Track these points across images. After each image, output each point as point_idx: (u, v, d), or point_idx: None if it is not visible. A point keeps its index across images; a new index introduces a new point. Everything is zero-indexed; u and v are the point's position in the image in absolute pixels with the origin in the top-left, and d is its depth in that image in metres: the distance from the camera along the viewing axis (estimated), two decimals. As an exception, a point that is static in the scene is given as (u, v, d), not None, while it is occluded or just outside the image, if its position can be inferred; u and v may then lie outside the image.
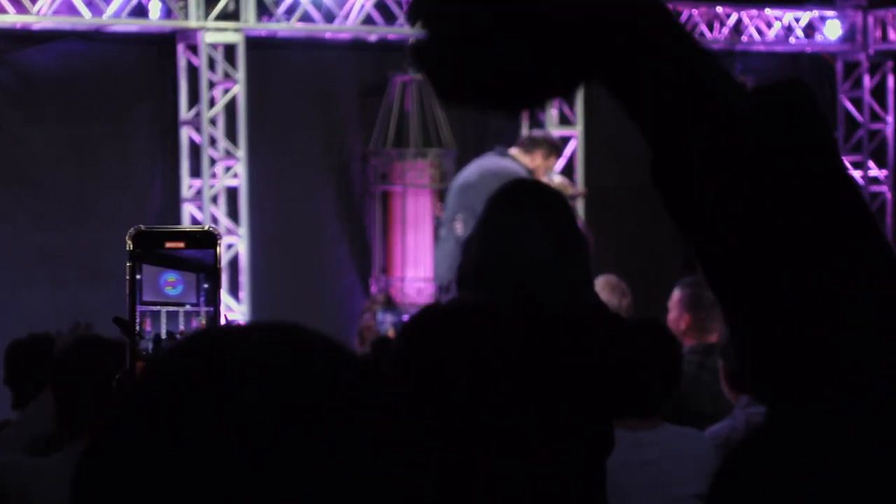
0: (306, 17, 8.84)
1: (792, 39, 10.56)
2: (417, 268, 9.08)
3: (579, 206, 9.27)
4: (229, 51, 8.62)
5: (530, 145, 8.55)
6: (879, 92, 10.93)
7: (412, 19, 0.98)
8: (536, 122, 9.59)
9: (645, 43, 0.96)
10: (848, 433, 0.95)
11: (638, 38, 0.96)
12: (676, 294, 5.82)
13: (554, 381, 2.07)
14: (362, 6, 8.97)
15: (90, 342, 3.83)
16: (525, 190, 3.25)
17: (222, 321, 1.49)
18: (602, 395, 2.47)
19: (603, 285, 6.11)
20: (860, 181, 10.95)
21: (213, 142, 8.69)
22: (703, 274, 1.01)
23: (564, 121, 9.68)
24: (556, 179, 8.83)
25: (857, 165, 10.98)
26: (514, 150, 8.57)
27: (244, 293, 8.68)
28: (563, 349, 2.16)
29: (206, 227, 1.47)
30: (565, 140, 9.61)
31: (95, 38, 8.54)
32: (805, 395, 0.97)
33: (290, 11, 8.78)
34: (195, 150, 8.69)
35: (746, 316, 0.98)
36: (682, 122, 0.97)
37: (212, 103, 8.64)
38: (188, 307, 1.47)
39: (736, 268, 0.98)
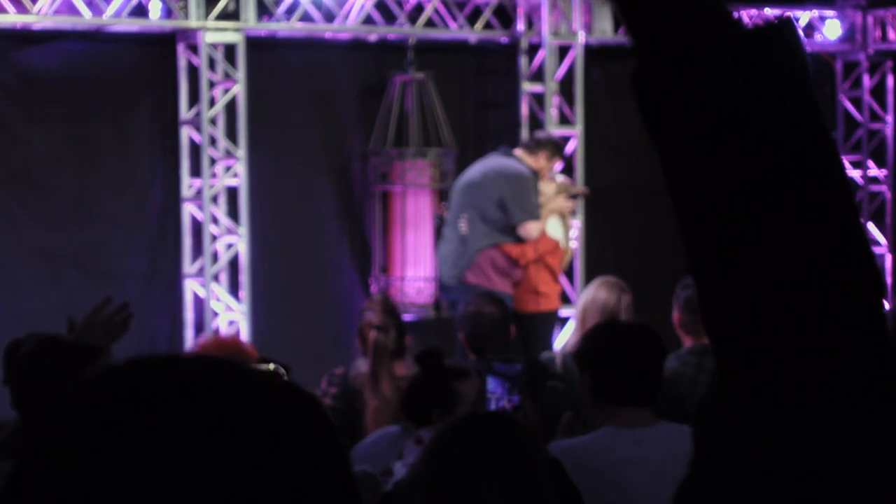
0: (306, 17, 8.83)
1: (792, 39, 10.55)
2: (417, 267, 9.08)
3: (579, 206, 9.26)
4: (229, 51, 8.62)
5: (535, 147, 8.56)
6: (879, 92, 10.93)
7: None
8: (536, 122, 9.59)
9: None
10: (818, 431, 0.95)
11: None
12: (677, 294, 5.82)
13: None
14: (362, 6, 8.97)
15: (50, 343, 3.74)
16: (470, 426, 2.89)
17: None
18: None
19: (600, 284, 6.10)
20: (859, 181, 10.95)
21: (213, 141, 8.68)
22: (673, 203, 1.01)
23: (564, 121, 9.67)
24: (559, 179, 8.83)
25: (856, 165, 10.98)
26: (518, 151, 8.58)
27: (244, 293, 8.68)
28: None
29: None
30: (565, 140, 9.60)
31: (96, 38, 8.54)
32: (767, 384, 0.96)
33: (290, 11, 8.78)
34: (195, 149, 8.68)
35: (707, 258, 0.98)
36: (671, 33, 0.97)
37: (212, 103, 8.64)
38: None
39: (704, 196, 0.97)
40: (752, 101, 0.97)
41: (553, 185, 8.68)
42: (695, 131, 0.97)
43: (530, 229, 8.36)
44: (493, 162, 8.49)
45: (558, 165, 8.86)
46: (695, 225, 0.99)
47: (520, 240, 8.38)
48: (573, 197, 8.76)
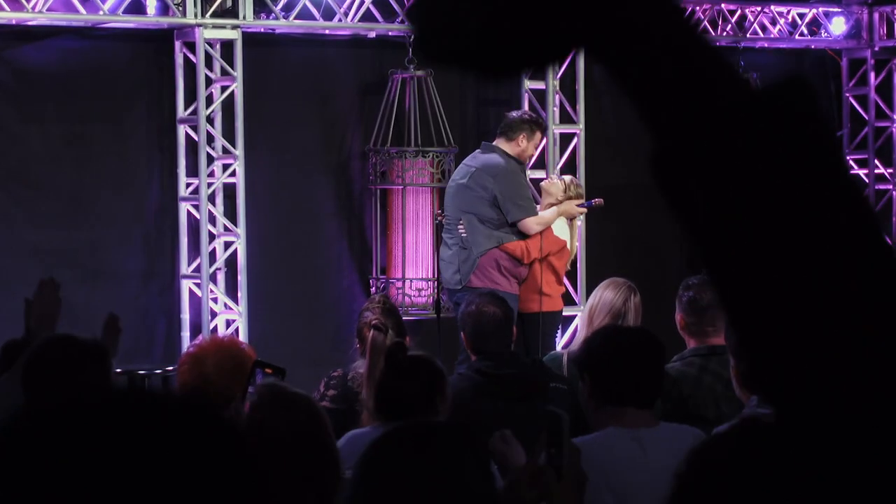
0: (305, 14, 8.77)
1: (797, 36, 10.48)
2: (417, 267, 9.02)
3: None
4: (227, 48, 8.56)
5: (510, 131, 8.43)
6: (885, 89, 10.86)
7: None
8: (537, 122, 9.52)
9: (650, 31, 0.96)
10: (849, 434, 0.96)
11: (644, 25, 0.96)
12: (679, 296, 5.76)
13: None
14: (361, 3, 8.90)
15: (64, 341, 3.88)
16: (413, 438, 2.80)
17: None
18: None
19: (608, 285, 6.04)
20: (865, 179, 10.87)
21: (210, 140, 8.63)
22: (705, 270, 1.01)
23: (566, 119, 9.61)
24: (567, 179, 8.73)
25: (862, 163, 10.91)
26: (497, 141, 8.47)
27: (242, 293, 8.61)
28: None
29: None
30: (568, 137, 9.54)
31: (92, 35, 8.49)
32: (807, 395, 0.97)
33: (288, 8, 8.71)
34: (193, 147, 8.63)
35: (746, 313, 0.98)
36: (685, 113, 0.96)
37: (209, 101, 8.58)
38: None
39: (735, 265, 0.97)
40: (782, 165, 0.96)
41: (560, 185, 8.58)
42: (727, 203, 0.97)
43: (529, 225, 8.30)
44: (476, 160, 8.42)
45: (560, 163, 8.80)
46: (740, 294, 0.99)
47: (521, 233, 8.33)
48: (587, 206, 8.65)
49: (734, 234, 0.97)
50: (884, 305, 0.96)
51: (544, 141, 8.98)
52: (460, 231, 8.32)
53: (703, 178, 0.96)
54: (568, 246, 8.62)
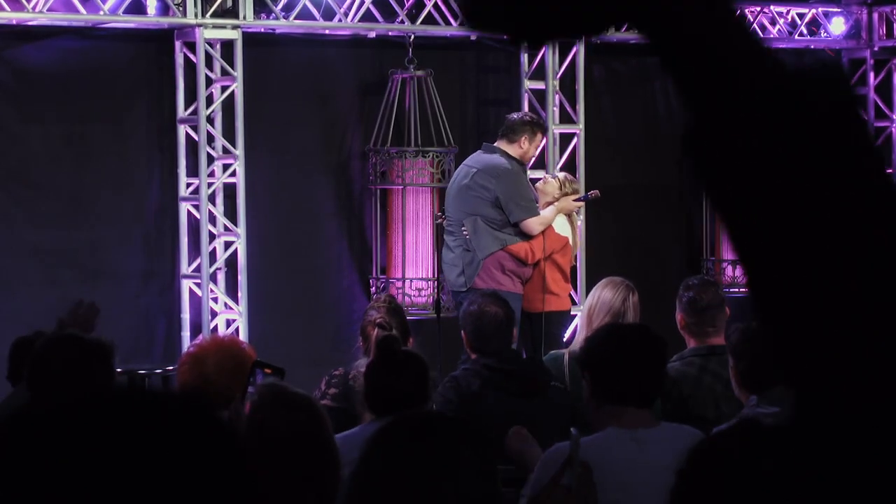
0: (305, 14, 8.77)
1: (796, 36, 10.48)
2: (417, 267, 9.02)
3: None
4: (227, 48, 8.56)
5: (512, 133, 8.42)
6: (884, 89, 10.86)
7: None
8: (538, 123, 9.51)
9: (691, 5, 0.98)
10: (871, 426, 0.96)
11: (691, 15, 0.98)
12: (680, 296, 5.76)
13: None
14: (361, 3, 8.90)
15: (70, 340, 3.90)
16: (416, 426, 2.85)
17: None
18: None
19: (606, 284, 6.04)
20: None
21: (210, 140, 8.63)
22: (732, 247, 1.00)
23: (566, 119, 9.61)
24: (560, 176, 8.74)
25: (861, 163, 10.91)
26: (499, 142, 8.47)
27: (242, 293, 8.61)
28: None
29: None
30: (568, 137, 9.54)
31: (92, 35, 8.48)
32: (828, 385, 0.96)
33: (288, 8, 8.71)
34: (193, 147, 8.62)
35: (770, 294, 0.98)
36: (721, 86, 0.97)
37: (210, 101, 8.58)
38: None
39: (762, 245, 0.97)
40: (811, 146, 0.97)
41: (555, 183, 8.58)
42: (756, 180, 0.97)
43: (532, 225, 8.30)
44: (476, 161, 8.41)
45: (560, 163, 8.80)
46: (765, 275, 1.00)
47: (523, 234, 8.33)
48: (583, 199, 8.66)
49: (762, 213, 0.97)
50: None
51: (544, 141, 8.99)
52: (464, 233, 8.31)
53: (733, 153, 0.97)
54: (570, 242, 8.63)
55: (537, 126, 8.55)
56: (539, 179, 8.91)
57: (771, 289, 0.98)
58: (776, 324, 0.98)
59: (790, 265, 0.96)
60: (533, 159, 8.88)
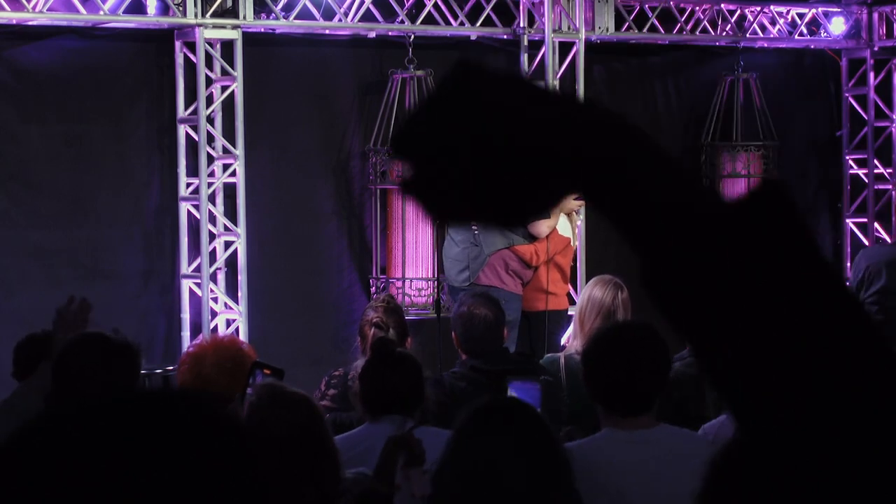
0: (305, 14, 8.76)
1: (796, 36, 10.48)
2: (417, 267, 9.02)
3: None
4: (227, 48, 8.56)
5: None
6: (884, 89, 10.85)
7: (396, 151, 1.03)
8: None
9: (625, 168, 1.02)
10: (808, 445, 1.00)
11: (618, 161, 1.02)
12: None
13: None
14: (361, 3, 8.90)
15: (94, 340, 3.94)
16: (497, 411, 3.10)
17: None
18: None
19: (595, 283, 6.06)
20: (865, 179, 10.87)
21: (211, 139, 8.63)
22: (699, 366, 1.06)
23: (566, 118, 9.59)
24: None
25: (861, 163, 10.90)
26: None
27: (242, 292, 8.61)
28: None
29: None
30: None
31: (92, 35, 8.48)
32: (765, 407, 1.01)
33: (288, 8, 8.71)
34: (193, 147, 8.62)
35: (738, 403, 1.03)
36: (666, 231, 1.02)
37: (210, 101, 8.58)
38: None
39: (727, 361, 1.02)
40: (763, 269, 1.01)
41: None
42: (714, 309, 1.02)
43: (540, 227, 8.31)
44: None
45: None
46: (732, 386, 1.04)
47: (531, 236, 8.34)
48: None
49: (722, 333, 1.01)
50: (870, 394, 1.00)
51: None
52: (472, 228, 8.32)
53: (689, 284, 1.01)
54: (571, 243, 8.65)
55: None
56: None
57: (737, 396, 1.03)
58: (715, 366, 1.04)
59: (752, 377, 1.01)
60: None
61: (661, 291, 1.04)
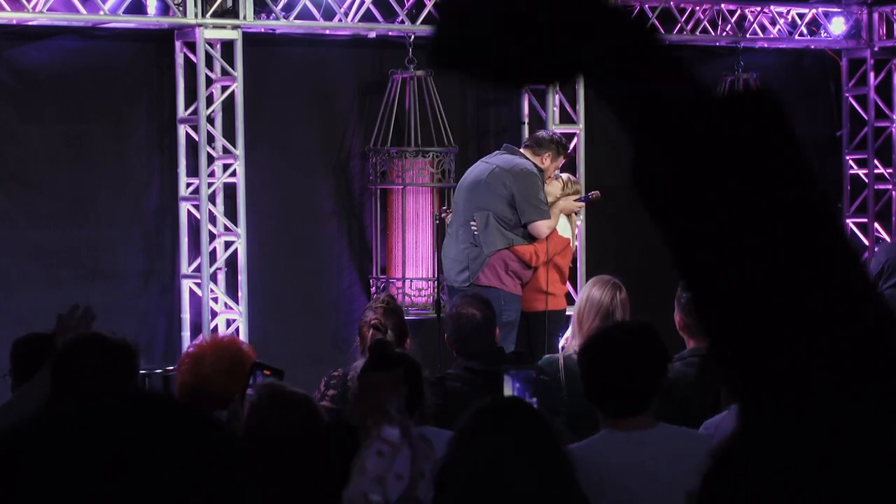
0: (305, 14, 8.77)
1: (796, 36, 10.48)
2: (417, 267, 9.02)
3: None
4: (227, 48, 8.56)
5: (538, 147, 8.49)
6: (884, 89, 10.85)
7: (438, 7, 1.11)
8: (538, 121, 9.51)
9: (627, 55, 1.06)
10: (821, 440, 1.00)
11: (622, 50, 1.07)
12: (678, 296, 5.76)
13: None
14: (361, 3, 8.90)
15: (93, 340, 3.95)
16: (498, 410, 3.11)
17: None
18: None
19: (594, 284, 6.06)
20: (865, 179, 10.86)
21: (211, 139, 8.63)
22: (680, 275, 1.08)
23: (566, 119, 9.60)
24: (564, 177, 8.75)
25: (862, 163, 10.91)
26: (524, 150, 8.51)
27: (242, 292, 8.61)
28: None
29: None
30: (568, 137, 9.53)
31: (92, 35, 8.48)
32: (776, 402, 1.01)
33: (288, 8, 8.71)
34: (193, 147, 8.62)
35: (718, 318, 1.04)
36: (655, 122, 1.04)
37: (210, 101, 8.58)
38: None
39: (707, 270, 1.04)
40: (748, 168, 1.03)
41: (558, 184, 8.60)
42: (697, 208, 1.04)
43: (541, 228, 8.31)
44: (498, 159, 8.42)
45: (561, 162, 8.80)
46: (711, 299, 1.06)
47: (531, 237, 8.33)
48: (584, 200, 8.67)
49: (705, 237, 1.03)
50: (841, 298, 1.01)
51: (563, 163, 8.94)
52: (472, 227, 8.31)
53: (674, 182, 1.03)
54: (571, 244, 8.65)
55: (563, 148, 8.63)
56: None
57: (717, 309, 1.04)
58: (720, 339, 1.04)
59: (732, 283, 1.02)
60: (549, 170, 8.87)
61: (644, 182, 1.06)
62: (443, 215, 8.59)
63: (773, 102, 1.05)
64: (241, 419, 3.79)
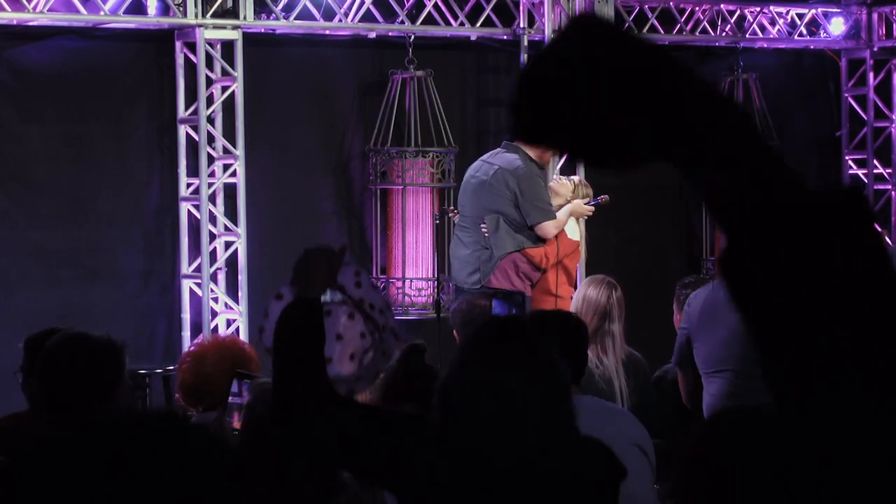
0: (305, 15, 8.77)
1: (796, 36, 10.49)
2: (417, 267, 9.02)
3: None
4: (227, 48, 8.56)
5: None
6: (884, 89, 10.86)
7: (520, 84, 1.09)
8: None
9: (724, 151, 1.06)
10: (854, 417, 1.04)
11: (719, 145, 1.06)
12: (677, 295, 5.77)
13: None
14: (361, 3, 8.90)
15: (79, 339, 3.94)
16: (497, 325, 3.22)
17: None
18: None
19: (589, 283, 6.07)
20: (864, 179, 10.87)
21: (211, 140, 8.63)
22: (761, 359, 1.08)
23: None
24: (576, 180, 8.74)
25: (861, 163, 10.91)
26: (520, 142, 8.47)
27: (242, 292, 8.61)
28: None
29: None
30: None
31: (92, 35, 8.48)
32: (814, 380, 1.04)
33: (288, 8, 8.72)
34: (193, 148, 8.63)
35: (792, 396, 1.06)
36: (747, 213, 1.05)
37: (210, 101, 8.58)
38: None
39: (789, 351, 1.05)
40: (836, 267, 1.05)
41: (569, 185, 8.58)
42: (784, 298, 1.05)
43: (548, 229, 8.29)
44: (499, 159, 8.41)
45: (560, 163, 8.81)
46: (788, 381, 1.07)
47: (538, 239, 8.32)
48: (594, 203, 8.66)
49: (790, 325, 1.05)
50: None
51: None
52: (483, 230, 8.29)
53: (768, 276, 1.04)
54: (580, 247, 8.64)
55: None
56: (552, 180, 8.91)
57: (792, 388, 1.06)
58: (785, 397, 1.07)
59: (810, 373, 1.05)
60: (550, 162, 8.87)
61: (734, 270, 1.07)
62: (450, 215, 8.58)
63: (864, 203, 1.08)
64: (227, 429, 3.80)
